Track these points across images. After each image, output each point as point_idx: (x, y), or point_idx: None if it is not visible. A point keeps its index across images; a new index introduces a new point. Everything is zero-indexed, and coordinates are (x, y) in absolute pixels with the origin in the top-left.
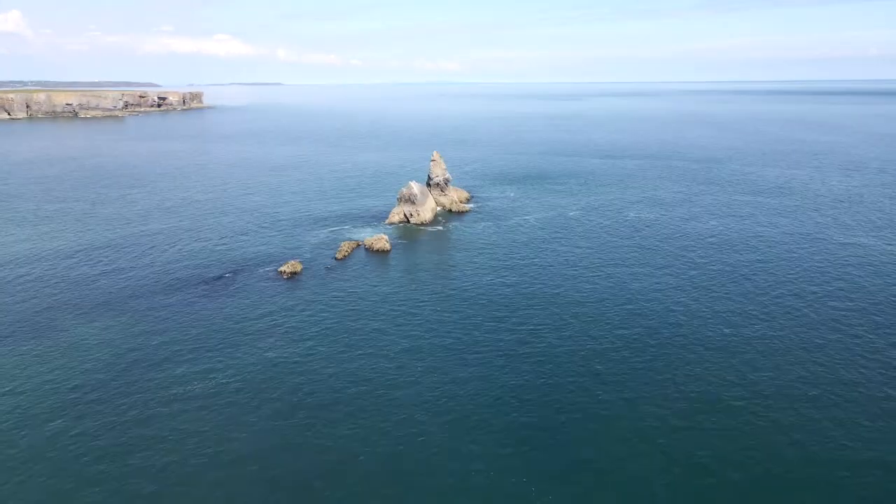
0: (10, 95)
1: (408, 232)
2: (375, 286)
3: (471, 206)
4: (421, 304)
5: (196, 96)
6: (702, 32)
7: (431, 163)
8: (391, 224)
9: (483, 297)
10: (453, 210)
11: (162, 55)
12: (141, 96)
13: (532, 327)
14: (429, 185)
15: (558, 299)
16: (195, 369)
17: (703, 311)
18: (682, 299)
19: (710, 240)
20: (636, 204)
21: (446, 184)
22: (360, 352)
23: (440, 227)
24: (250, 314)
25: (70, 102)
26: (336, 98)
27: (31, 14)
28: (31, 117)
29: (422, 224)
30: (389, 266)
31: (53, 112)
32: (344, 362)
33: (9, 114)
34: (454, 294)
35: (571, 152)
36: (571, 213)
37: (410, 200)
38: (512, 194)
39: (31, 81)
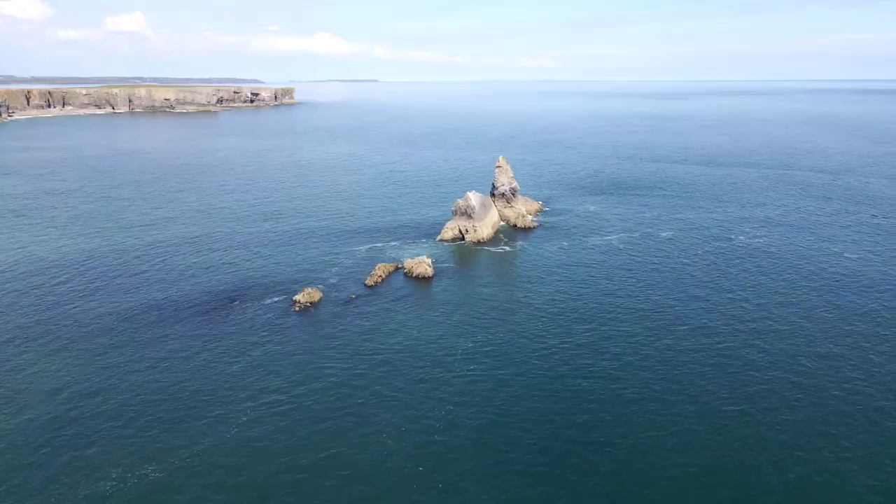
0: (115, 90)
1: (461, 252)
2: (402, 329)
3: (541, 220)
4: (456, 362)
5: (287, 92)
6: (823, 27)
7: (497, 169)
8: (443, 241)
9: (548, 359)
10: (518, 225)
11: (267, 53)
12: (235, 92)
13: (622, 427)
14: (493, 195)
15: (662, 377)
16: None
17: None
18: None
19: (848, 280)
20: (745, 223)
21: (513, 194)
22: (348, 455)
23: (500, 248)
24: (224, 368)
25: (168, 98)
26: (429, 95)
27: (152, 15)
28: (132, 111)
29: (478, 242)
30: (427, 299)
31: (153, 106)
32: (318, 473)
33: (113, 108)
34: (503, 349)
35: (670, 158)
36: (665, 234)
37: (467, 214)
38: (593, 207)
39: (150, 78)
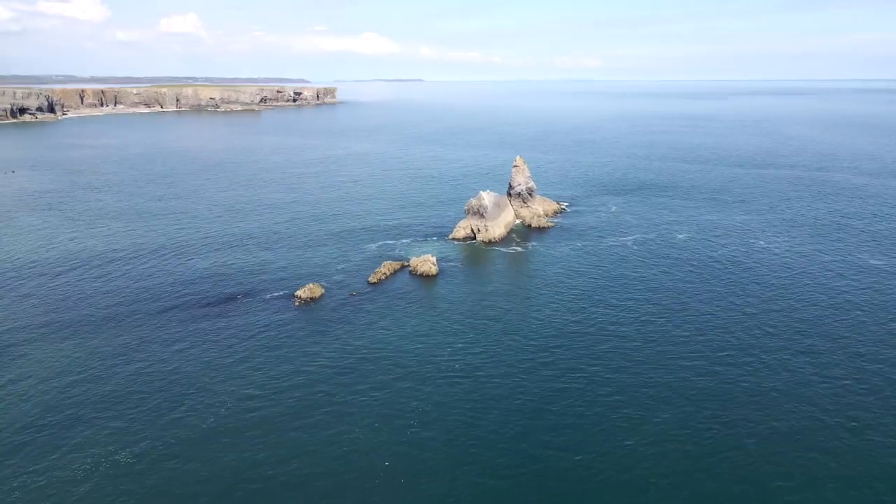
0: (163, 90)
1: (470, 251)
2: (393, 327)
3: (558, 220)
4: (442, 362)
5: (329, 92)
6: (871, 23)
7: (514, 169)
8: (455, 240)
9: (533, 362)
10: (533, 225)
11: (314, 53)
12: (278, 91)
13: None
14: (510, 194)
15: (668, 386)
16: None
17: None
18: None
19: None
20: (769, 228)
21: (530, 194)
22: (317, 450)
23: (511, 248)
24: (213, 360)
25: (213, 97)
26: (469, 95)
27: (205, 16)
28: (179, 110)
29: (490, 242)
30: (426, 298)
31: (199, 105)
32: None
33: (161, 106)
34: (491, 350)
35: (701, 158)
36: (681, 236)
37: (479, 213)
38: (614, 207)
39: (201, 77)
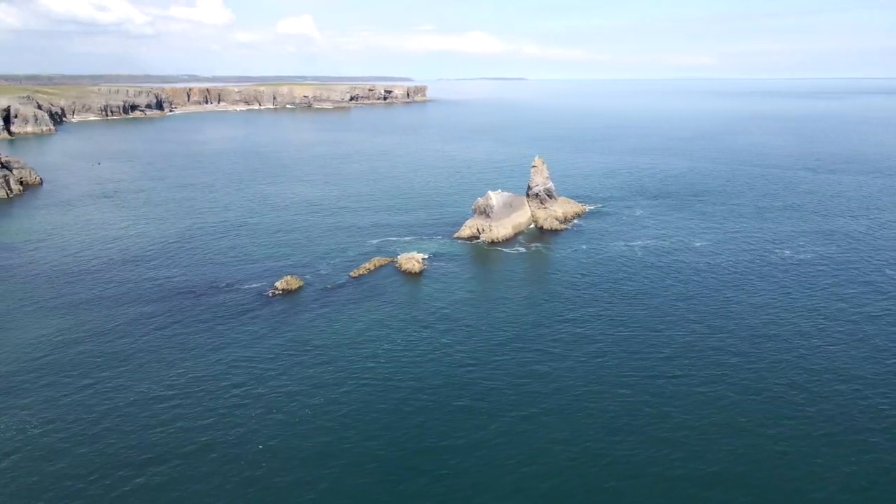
0: (262, 89)
1: (469, 251)
2: (348, 322)
3: (576, 222)
4: (377, 365)
5: (420, 90)
6: None
7: (532, 170)
8: (460, 239)
9: (466, 370)
10: (545, 227)
11: (420, 52)
12: (370, 89)
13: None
14: (528, 195)
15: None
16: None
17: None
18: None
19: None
20: (807, 237)
21: (548, 195)
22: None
23: (514, 249)
24: (162, 344)
25: (307, 95)
26: (568, 94)
27: (318, 17)
28: (275, 108)
29: (493, 242)
30: (398, 294)
31: (293, 103)
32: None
33: (259, 104)
34: (432, 353)
35: (776, 163)
36: (698, 243)
37: (485, 213)
38: (640, 212)
39: (311, 76)
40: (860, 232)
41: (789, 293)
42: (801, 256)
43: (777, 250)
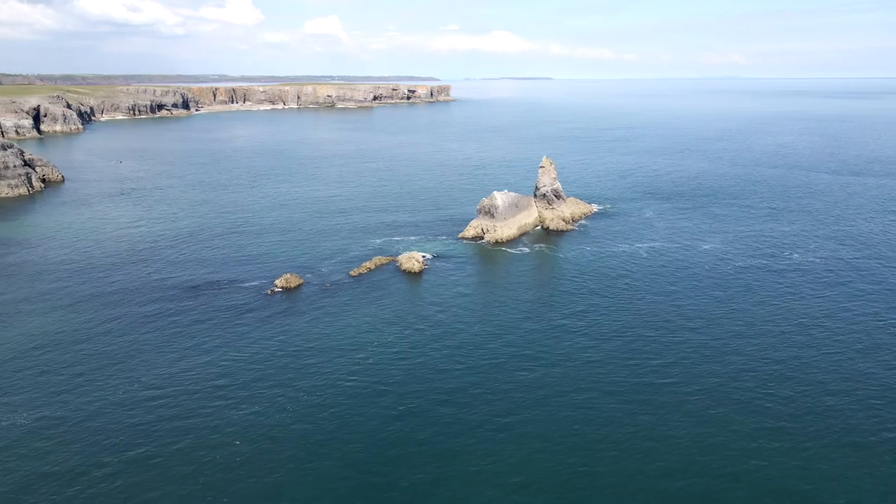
0: (286, 88)
1: (472, 251)
2: (337, 321)
3: (583, 223)
4: (362, 367)
5: (443, 90)
6: None
7: (540, 170)
8: (464, 239)
9: (447, 373)
10: (551, 228)
11: (446, 52)
12: (393, 89)
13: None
14: (536, 195)
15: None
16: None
17: None
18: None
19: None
20: (819, 240)
21: (556, 195)
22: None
23: (517, 249)
24: (151, 340)
25: (330, 94)
26: (594, 94)
27: (345, 17)
28: (299, 107)
29: (497, 242)
30: (400, 295)
31: (317, 102)
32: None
33: (284, 103)
34: (423, 355)
35: (799, 165)
36: (706, 246)
37: (490, 214)
38: (650, 213)
39: (338, 76)
40: (873, 234)
41: (799, 294)
42: (811, 259)
43: (785, 252)
